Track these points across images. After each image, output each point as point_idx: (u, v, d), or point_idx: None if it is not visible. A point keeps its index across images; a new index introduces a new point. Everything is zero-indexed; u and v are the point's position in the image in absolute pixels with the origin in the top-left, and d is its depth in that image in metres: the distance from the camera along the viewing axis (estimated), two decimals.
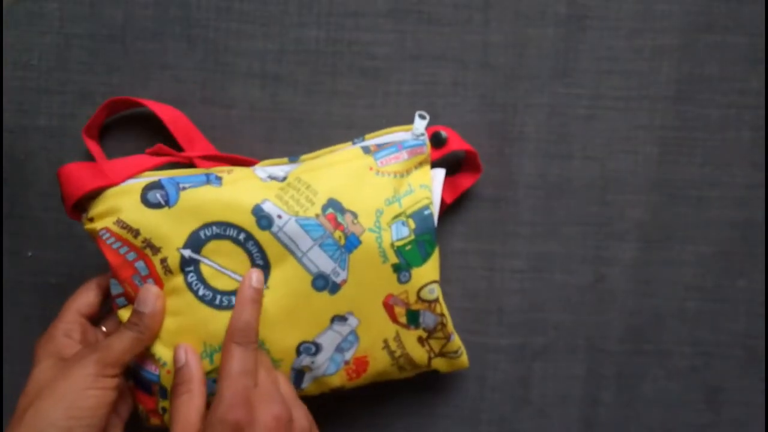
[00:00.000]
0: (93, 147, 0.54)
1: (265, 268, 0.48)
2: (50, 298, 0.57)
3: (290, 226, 0.48)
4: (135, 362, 0.49)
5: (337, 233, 0.48)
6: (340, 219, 0.48)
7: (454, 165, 0.56)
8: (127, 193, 0.48)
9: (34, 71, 0.56)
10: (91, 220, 0.48)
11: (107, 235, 0.47)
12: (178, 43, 0.56)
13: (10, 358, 0.57)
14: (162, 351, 0.48)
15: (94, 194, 0.48)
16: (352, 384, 0.52)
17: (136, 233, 0.47)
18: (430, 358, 0.53)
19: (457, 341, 0.53)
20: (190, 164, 0.53)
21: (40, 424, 0.43)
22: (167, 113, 0.54)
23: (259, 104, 0.56)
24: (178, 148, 0.54)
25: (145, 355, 0.49)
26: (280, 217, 0.48)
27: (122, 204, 0.47)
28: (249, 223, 0.48)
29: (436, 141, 0.53)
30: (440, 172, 0.53)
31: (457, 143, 0.53)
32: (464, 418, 0.58)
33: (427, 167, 0.52)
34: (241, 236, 0.48)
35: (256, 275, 0.48)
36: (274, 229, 0.48)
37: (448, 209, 0.56)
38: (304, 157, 0.52)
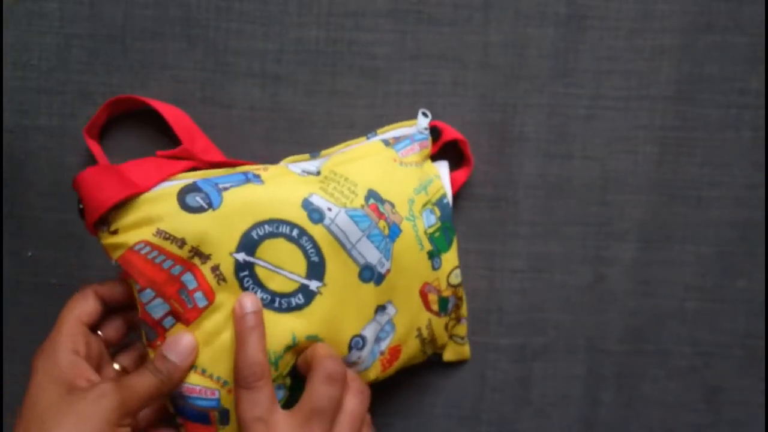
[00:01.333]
0: (94, 147, 0.54)
1: (321, 263, 0.46)
2: (50, 298, 0.57)
3: (341, 218, 0.47)
4: (179, 392, 0.44)
5: (381, 223, 0.48)
6: (381, 209, 0.48)
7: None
8: (161, 199, 0.44)
9: (34, 71, 0.56)
10: (115, 232, 0.44)
11: (146, 248, 0.43)
12: (178, 43, 0.56)
13: (10, 358, 0.57)
14: (219, 369, 0.45)
15: (118, 204, 0.44)
16: (383, 375, 0.52)
17: (181, 243, 0.44)
18: (445, 343, 0.55)
19: (464, 326, 0.54)
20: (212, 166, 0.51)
21: None
22: (169, 112, 0.54)
23: (259, 104, 0.56)
24: (172, 141, 0.54)
25: (201, 383, 0.44)
26: (330, 209, 0.46)
27: (159, 211, 0.44)
28: (301, 217, 0.46)
29: (434, 134, 0.54)
30: (444, 165, 0.54)
31: (449, 133, 0.54)
32: (464, 418, 0.58)
33: (429, 161, 0.53)
34: (295, 232, 0.45)
35: (246, 298, 0.44)
36: (326, 222, 0.46)
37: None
38: (323, 152, 0.52)
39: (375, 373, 0.51)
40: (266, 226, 0.45)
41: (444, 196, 0.52)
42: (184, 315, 0.44)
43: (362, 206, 0.48)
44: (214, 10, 0.56)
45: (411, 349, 0.52)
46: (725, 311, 0.58)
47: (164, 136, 0.55)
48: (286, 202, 0.46)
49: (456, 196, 0.56)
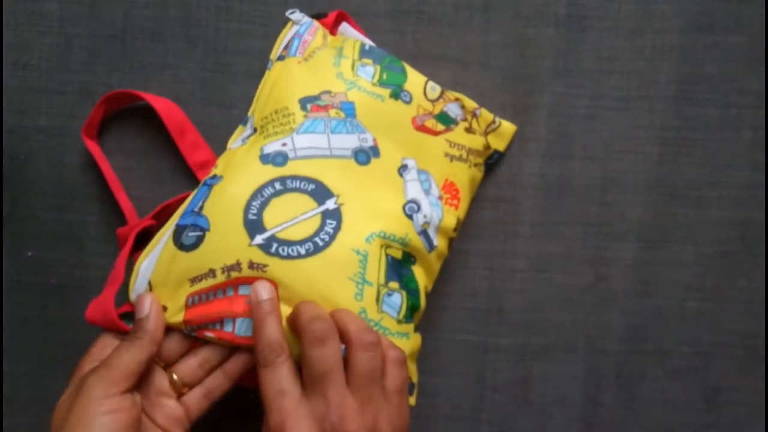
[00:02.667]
0: (92, 147, 0.54)
1: (319, 185, 0.48)
2: (50, 298, 0.57)
3: (298, 141, 0.49)
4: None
5: (332, 111, 0.49)
6: (321, 103, 0.49)
7: None
8: (170, 259, 0.46)
9: (34, 71, 0.56)
10: (165, 308, 0.46)
11: (194, 299, 0.46)
12: (178, 43, 0.56)
13: (10, 358, 0.57)
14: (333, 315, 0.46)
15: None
16: (461, 211, 0.53)
17: (212, 273, 0.46)
18: (486, 140, 0.54)
19: (486, 113, 0.54)
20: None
21: None
22: (162, 105, 0.54)
23: None
24: (172, 141, 0.54)
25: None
26: (284, 144, 0.48)
27: (177, 269, 0.46)
28: (270, 172, 0.48)
29: (316, 16, 0.54)
30: (344, 25, 0.54)
31: (332, 13, 0.54)
32: (464, 418, 0.58)
33: (330, 36, 0.54)
34: (277, 185, 0.47)
35: (261, 287, 0.45)
36: (291, 155, 0.48)
37: None
38: (251, 110, 0.52)
39: (453, 215, 0.52)
40: (253, 203, 0.47)
41: (362, 45, 0.52)
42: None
43: (305, 116, 0.49)
44: (214, 10, 0.56)
45: (460, 173, 0.53)
46: (725, 311, 0.58)
47: (160, 135, 0.55)
48: (250, 172, 0.47)
49: None
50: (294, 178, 0.48)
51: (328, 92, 0.50)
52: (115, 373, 0.42)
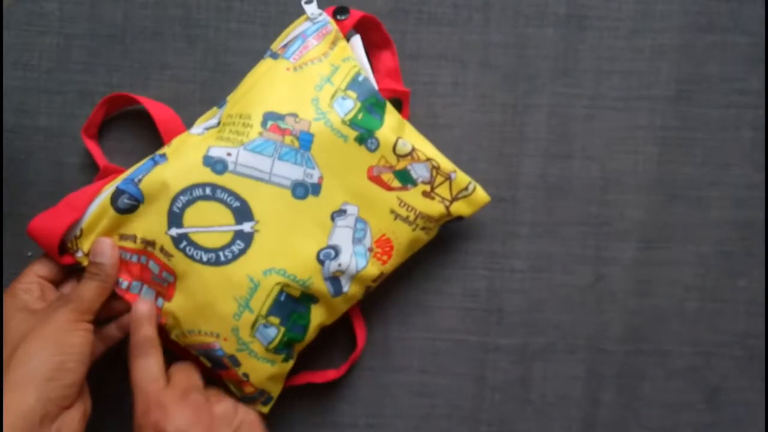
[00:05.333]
0: (92, 147, 0.54)
1: (244, 205, 0.49)
2: None
3: (242, 156, 0.49)
4: (199, 350, 0.51)
5: (287, 138, 0.49)
6: (282, 125, 0.49)
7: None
8: (102, 213, 0.49)
9: (34, 71, 0.56)
10: (87, 254, 0.50)
11: (121, 252, 0.50)
12: (178, 43, 0.56)
13: None
14: (207, 325, 0.50)
15: (72, 232, 0.50)
16: (389, 266, 0.52)
17: (133, 238, 0.50)
18: (446, 207, 0.53)
19: (462, 177, 0.52)
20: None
21: (32, 362, 0.44)
22: (158, 110, 0.54)
23: None
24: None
25: (202, 340, 0.50)
26: (229, 154, 0.49)
27: (106, 224, 0.49)
28: (207, 175, 0.49)
29: (338, 12, 0.52)
30: (356, 39, 0.53)
31: (357, 14, 0.52)
32: (464, 418, 0.58)
33: (342, 42, 0.52)
34: (207, 190, 0.49)
35: (141, 305, 0.50)
36: (231, 167, 0.49)
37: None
38: (228, 97, 0.52)
39: (376, 269, 0.52)
40: (181, 197, 0.49)
41: (358, 74, 0.50)
42: (166, 293, 0.50)
43: (260, 133, 0.49)
44: (214, 10, 0.56)
45: (400, 234, 0.52)
46: (725, 311, 0.58)
47: (160, 136, 0.55)
48: (188, 167, 0.49)
49: None
50: (224, 190, 0.49)
51: (294, 115, 0.49)
52: (85, 305, 0.48)
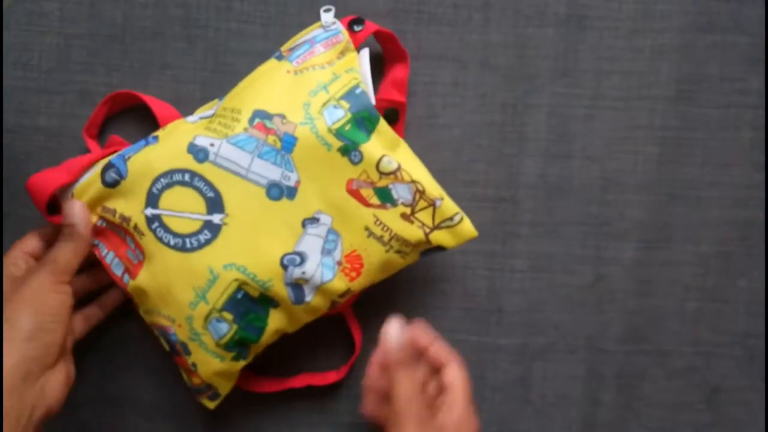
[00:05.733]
0: (93, 147, 0.55)
1: (217, 196, 0.49)
2: None
3: (224, 148, 0.49)
4: (159, 330, 0.52)
5: (271, 138, 0.49)
6: (269, 124, 0.49)
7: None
8: (92, 183, 0.50)
9: (34, 71, 0.56)
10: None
11: (101, 222, 0.51)
12: (178, 43, 0.56)
13: None
14: (166, 308, 0.51)
15: (66, 194, 0.51)
16: (357, 284, 0.51)
17: (113, 212, 0.50)
18: (426, 234, 0.51)
19: (448, 205, 0.50)
20: None
21: (12, 323, 0.46)
22: (161, 109, 0.54)
23: None
24: None
25: (160, 322, 0.51)
26: (212, 145, 0.49)
27: (94, 193, 0.50)
28: (188, 162, 0.49)
29: (354, 23, 0.52)
30: (364, 52, 0.52)
31: (373, 26, 0.52)
32: None
33: (352, 54, 0.51)
34: (186, 177, 0.49)
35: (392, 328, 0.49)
36: (211, 157, 0.49)
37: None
38: (231, 91, 0.52)
39: (343, 284, 0.51)
40: (162, 180, 0.50)
41: (356, 86, 0.49)
42: (133, 270, 0.51)
43: (245, 129, 0.49)
44: (214, 10, 0.56)
45: (372, 253, 0.51)
46: (725, 311, 0.58)
47: None
48: (173, 152, 0.50)
49: (456, 196, 0.56)
50: (201, 179, 0.49)
51: (282, 116, 0.49)
52: (60, 266, 0.49)
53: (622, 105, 0.56)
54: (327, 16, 0.52)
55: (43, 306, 0.47)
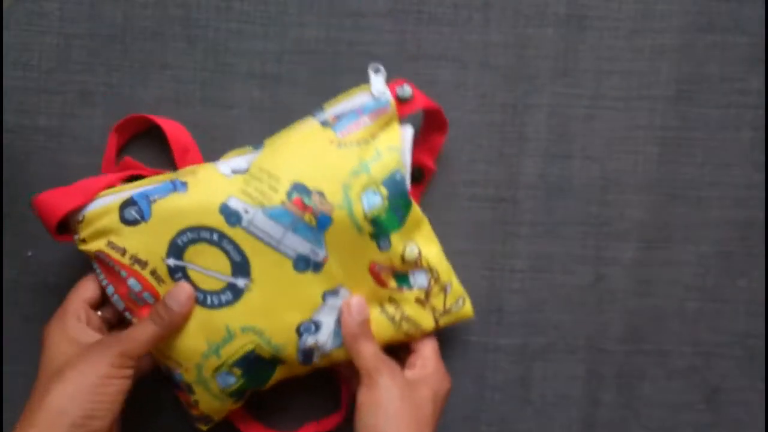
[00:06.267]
0: (117, 179, 0.53)
1: (244, 261, 0.49)
2: (50, 298, 0.57)
3: (258, 218, 0.48)
4: (164, 367, 0.52)
5: (307, 216, 0.48)
6: (307, 201, 0.48)
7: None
8: (108, 213, 0.49)
9: (34, 71, 0.56)
10: (84, 241, 0.50)
11: (103, 255, 0.49)
12: (178, 43, 0.56)
13: (10, 358, 0.57)
14: (174, 352, 0.50)
15: (76, 215, 0.49)
16: None
17: (123, 251, 0.49)
18: (436, 320, 0.52)
19: (456, 289, 0.52)
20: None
21: (64, 404, 0.44)
22: (170, 126, 0.54)
23: (259, 104, 0.56)
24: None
25: (166, 362, 0.51)
26: (246, 211, 0.48)
27: (107, 225, 0.49)
28: (219, 222, 0.49)
29: (402, 97, 0.51)
30: (408, 131, 0.52)
31: (421, 100, 0.51)
32: (464, 418, 0.58)
33: (396, 126, 0.50)
34: (215, 236, 0.49)
35: (356, 303, 0.50)
36: (244, 224, 0.48)
37: (446, 207, 0.56)
38: (267, 140, 0.52)
39: (345, 354, 0.51)
40: (189, 233, 0.49)
41: (398, 170, 0.49)
42: (136, 311, 0.50)
43: (283, 202, 0.48)
44: (214, 10, 0.56)
45: (381, 329, 0.51)
46: (725, 311, 0.58)
47: (165, 151, 0.55)
48: (204, 209, 0.49)
49: (456, 196, 0.56)
50: (231, 242, 0.49)
51: (322, 194, 0.48)
52: (134, 349, 0.47)
53: (622, 105, 0.56)
54: (378, 82, 0.50)
55: (98, 394, 0.45)
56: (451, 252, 0.57)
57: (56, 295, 0.56)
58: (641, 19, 0.56)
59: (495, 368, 0.58)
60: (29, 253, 0.57)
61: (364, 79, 0.55)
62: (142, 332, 0.48)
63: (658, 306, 0.58)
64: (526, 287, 0.57)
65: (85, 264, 0.57)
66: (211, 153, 0.55)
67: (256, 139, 0.56)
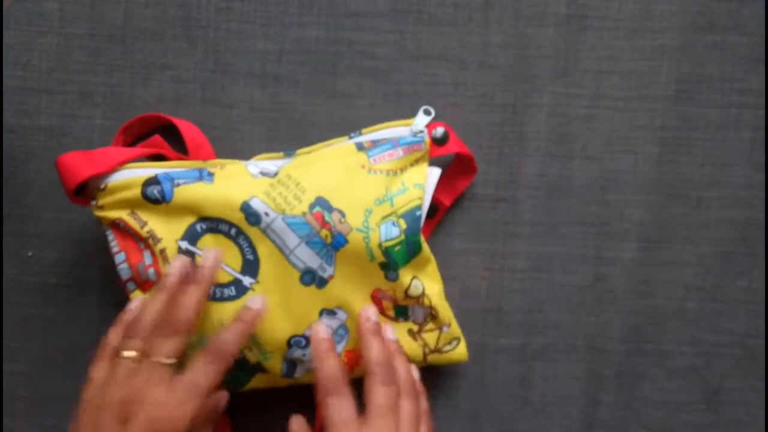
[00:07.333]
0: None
1: (255, 262, 0.50)
2: (50, 298, 0.57)
3: (277, 223, 0.49)
4: None
5: (324, 232, 0.49)
6: (327, 218, 0.49)
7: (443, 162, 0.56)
8: (130, 186, 0.49)
9: (34, 71, 0.56)
10: (102, 207, 0.50)
11: (122, 223, 0.50)
12: (178, 43, 0.56)
13: (10, 358, 0.57)
14: None
15: (97, 182, 0.50)
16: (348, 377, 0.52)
17: (143, 224, 0.50)
18: (425, 354, 0.53)
19: (453, 330, 0.53)
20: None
21: None
22: (182, 123, 0.54)
23: (259, 104, 0.56)
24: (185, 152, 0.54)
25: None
26: (267, 214, 0.49)
27: (129, 197, 0.49)
28: (239, 218, 0.49)
29: (437, 139, 0.52)
30: (435, 173, 0.53)
31: (455, 145, 0.53)
32: (464, 418, 0.58)
33: (425, 165, 0.52)
34: (233, 231, 0.50)
35: (323, 327, 0.50)
36: (262, 225, 0.49)
37: (448, 208, 0.56)
38: (300, 151, 0.53)
39: None
40: (208, 222, 0.50)
41: (418, 207, 0.50)
42: (142, 285, 0.51)
43: (304, 213, 0.49)
44: (214, 10, 0.56)
45: None
46: (725, 311, 0.58)
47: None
48: (226, 203, 0.49)
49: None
50: (247, 239, 0.49)
51: (342, 214, 0.49)
52: (203, 389, 0.45)
53: (622, 105, 0.56)
54: (421, 120, 0.52)
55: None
56: (451, 252, 0.57)
57: (56, 295, 0.57)
58: (641, 19, 0.56)
59: (495, 368, 0.58)
60: (29, 253, 0.57)
61: (364, 80, 0.56)
62: (201, 373, 0.45)
63: (658, 306, 0.58)
64: (526, 287, 0.57)
65: (86, 265, 0.57)
66: None
67: (256, 139, 0.56)
